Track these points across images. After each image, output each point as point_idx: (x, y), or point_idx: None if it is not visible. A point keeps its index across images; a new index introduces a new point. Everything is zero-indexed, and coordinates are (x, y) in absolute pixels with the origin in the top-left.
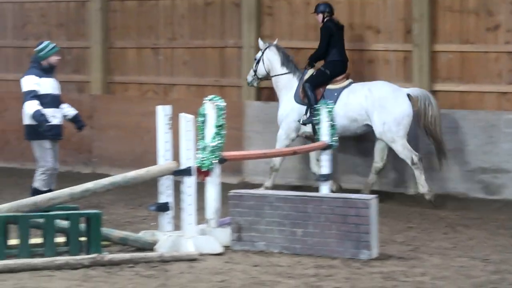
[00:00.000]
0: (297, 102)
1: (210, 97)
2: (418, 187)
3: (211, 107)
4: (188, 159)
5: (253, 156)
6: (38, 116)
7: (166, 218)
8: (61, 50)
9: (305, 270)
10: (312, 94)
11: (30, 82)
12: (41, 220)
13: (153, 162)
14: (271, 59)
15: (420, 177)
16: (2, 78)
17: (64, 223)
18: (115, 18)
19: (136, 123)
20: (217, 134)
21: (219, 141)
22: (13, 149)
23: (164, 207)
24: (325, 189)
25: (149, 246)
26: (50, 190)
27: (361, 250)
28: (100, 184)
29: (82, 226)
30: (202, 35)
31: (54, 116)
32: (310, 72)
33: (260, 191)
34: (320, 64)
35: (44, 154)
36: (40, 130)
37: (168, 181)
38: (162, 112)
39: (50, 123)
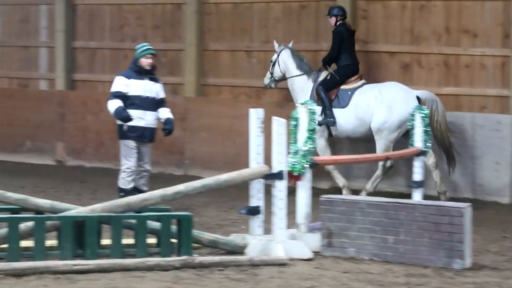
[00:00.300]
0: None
1: (302, 100)
2: (367, 184)
3: (303, 111)
4: (279, 163)
5: (344, 161)
6: (120, 112)
7: (256, 222)
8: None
9: (396, 278)
10: (325, 96)
11: (117, 83)
12: (133, 221)
13: (245, 165)
14: (286, 61)
15: (376, 179)
16: (98, 79)
17: (156, 225)
18: (210, 20)
19: (228, 125)
20: (309, 138)
21: (311, 145)
22: (108, 150)
23: (254, 211)
24: (417, 196)
25: (239, 250)
26: (135, 188)
27: (454, 259)
28: (192, 186)
29: (174, 228)
30: (296, 38)
31: (141, 118)
32: (324, 74)
33: (352, 196)
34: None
35: (127, 154)
36: (123, 122)
37: (259, 184)
38: (255, 115)
39: (131, 124)
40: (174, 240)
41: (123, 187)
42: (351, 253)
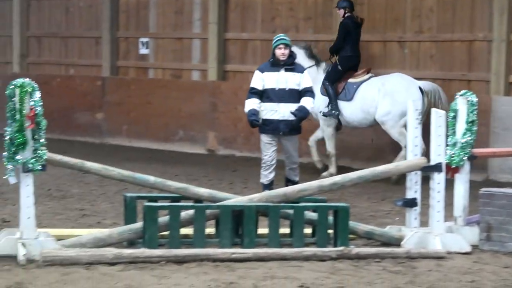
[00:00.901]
0: (322, 94)
1: (462, 92)
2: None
3: (463, 103)
4: (438, 155)
5: (503, 153)
6: (248, 116)
7: (413, 214)
8: (307, 43)
9: None
10: (331, 89)
11: (253, 78)
12: (290, 211)
13: (393, 156)
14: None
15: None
16: (249, 70)
17: (312, 215)
18: (362, 11)
19: None
20: (468, 130)
21: (470, 138)
22: (257, 140)
23: (411, 203)
24: None
25: (395, 242)
26: (287, 180)
27: None
28: (348, 177)
29: (330, 218)
30: (451, 28)
31: (275, 110)
32: (325, 65)
33: None
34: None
35: (263, 147)
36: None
37: (416, 176)
38: (413, 107)
39: (265, 118)
40: (330, 231)
41: (260, 181)
42: (511, 248)
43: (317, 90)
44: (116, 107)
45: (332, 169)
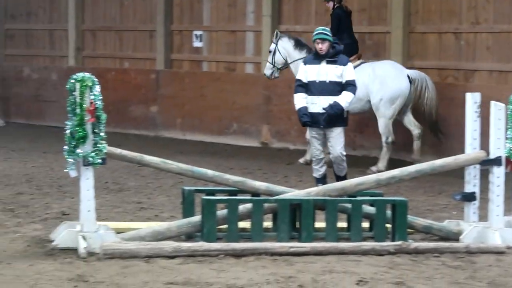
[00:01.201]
0: None
1: None
2: (378, 163)
3: None
4: (498, 149)
5: None
6: (299, 116)
7: (471, 208)
8: (361, 35)
9: None
10: None
11: (299, 70)
12: (348, 205)
13: (453, 150)
14: (286, 47)
15: (385, 156)
16: None
17: (370, 209)
18: (417, 2)
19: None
20: None
21: None
22: None
23: (470, 197)
24: None
25: (453, 236)
26: (324, 177)
27: None
28: (407, 171)
29: (388, 212)
30: (508, 19)
31: (315, 103)
32: None
33: None
34: None
35: (311, 141)
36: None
37: (475, 170)
38: (471, 100)
39: (310, 111)
40: (387, 225)
41: (313, 175)
42: None
43: None
44: (170, 100)
45: (308, 156)
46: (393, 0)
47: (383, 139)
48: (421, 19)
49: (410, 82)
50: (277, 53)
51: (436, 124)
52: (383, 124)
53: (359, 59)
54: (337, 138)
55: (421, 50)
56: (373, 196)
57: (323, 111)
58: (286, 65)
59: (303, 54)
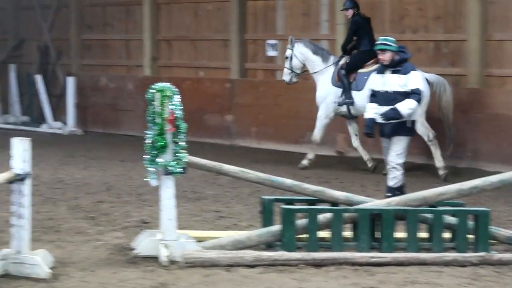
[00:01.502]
0: (333, 85)
1: None
2: (435, 162)
3: None
4: None
5: None
6: (364, 128)
7: None
8: (437, 44)
9: None
10: (346, 79)
11: (370, 80)
12: (429, 215)
13: None
14: (303, 52)
15: (436, 152)
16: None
17: (451, 219)
18: (493, 9)
19: None
20: None
21: None
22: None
23: None
24: None
25: None
26: (401, 187)
27: None
28: (489, 181)
29: (470, 223)
30: None
31: (379, 114)
32: (345, 59)
33: None
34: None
35: (384, 151)
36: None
37: None
38: None
39: (372, 134)
40: (469, 236)
41: (387, 184)
42: None
43: (325, 81)
44: (245, 109)
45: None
46: (469, 8)
47: (425, 138)
48: (498, 26)
49: (429, 84)
50: (294, 58)
51: (451, 132)
52: (419, 124)
53: (377, 63)
54: (394, 146)
55: (498, 58)
56: (455, 206)
57: (385, 121)
58: (304, 70)
59: (320, 58)
